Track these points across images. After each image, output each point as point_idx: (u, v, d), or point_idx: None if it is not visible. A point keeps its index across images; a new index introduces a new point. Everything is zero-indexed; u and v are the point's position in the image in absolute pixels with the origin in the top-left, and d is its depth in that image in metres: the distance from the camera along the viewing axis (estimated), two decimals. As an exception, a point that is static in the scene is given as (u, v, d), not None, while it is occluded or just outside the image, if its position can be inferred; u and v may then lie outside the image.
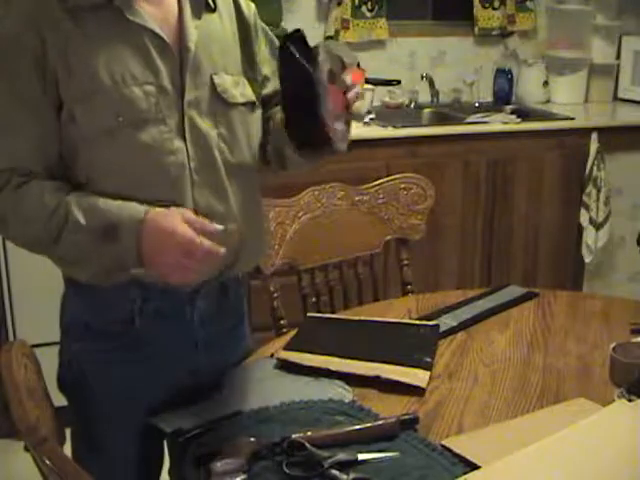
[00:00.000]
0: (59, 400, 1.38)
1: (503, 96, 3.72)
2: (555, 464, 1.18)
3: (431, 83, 3.64)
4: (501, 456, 1.18)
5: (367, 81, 3.17)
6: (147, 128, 1.29)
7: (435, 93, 3.66)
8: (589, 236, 3.44)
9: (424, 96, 3.65)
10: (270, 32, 1.57)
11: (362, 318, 1.76)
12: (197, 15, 1.38)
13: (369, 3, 3.50)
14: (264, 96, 1.51)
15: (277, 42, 1.54)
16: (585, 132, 3.37)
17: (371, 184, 2.14)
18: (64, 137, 1.29)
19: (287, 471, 1.18)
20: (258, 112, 1.47)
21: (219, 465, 1.16)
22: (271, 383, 1.46)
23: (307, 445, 1.20)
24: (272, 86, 1.52)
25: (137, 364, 1.40)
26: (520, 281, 2.62)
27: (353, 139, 3.10)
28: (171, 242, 1.21)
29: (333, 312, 2.04)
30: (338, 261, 2.10)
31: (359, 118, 3.05)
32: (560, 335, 1.71)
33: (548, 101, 3.79)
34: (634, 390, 1.34)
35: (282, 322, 1.96)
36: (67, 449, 1.19)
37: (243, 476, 1.15)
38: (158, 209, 1.26)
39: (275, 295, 1.97)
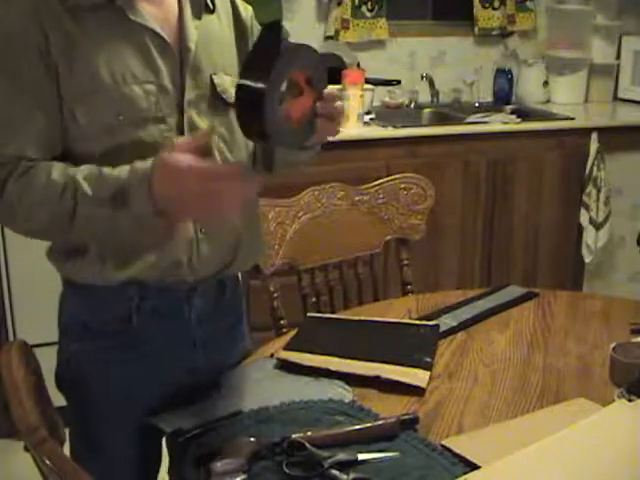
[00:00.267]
0: (59, 400, 1.38)
1: (503, 96, 3.72)
2: (555, 464, 1.18)
3: (431, 83, 3.64)
4: (501, 456, 1.18)
5: (367, 81, 3.17)
6: (147, 127, 1.30)
7: (435, 93, 3.66)
8: (589, 236, 3.45)
9: (424, 96, 3.65)
10: None
11: (362, 318, 1.76)
12: (197, 15, 1.39)
13: (369, 3, 3.50)
14: None
15: None
16: (585, 132, 3.37)
17: (371, 184, 2.14)
18: (64, 135, 1.29)
19: (287, 471, 1.18)
20: None
21: (219, 465, 1.16)
22: (271, 383, 1.46)
23: (307, 445, 1.20)
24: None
25: (135, 363, 1.40)
26: (520, 281, 2.62)
27: (353, 139, 3.13)
28: (182, 175, 1.16)
29: (333, 312, 2.04)
30: (338, 261, 2.10)
31: (359, 118, 3.05)
32: (560, 335, 1.71)
33: (548, 101, 3.79)
34: (634, 390, 1.34)
35: (282, 322, 1.96)
36: (67, 449, 1.19)
37: (243, 476, 1.15)
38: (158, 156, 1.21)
39: (275, 295, 1.97)
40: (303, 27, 3.44)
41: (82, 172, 1.24)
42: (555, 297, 1.91)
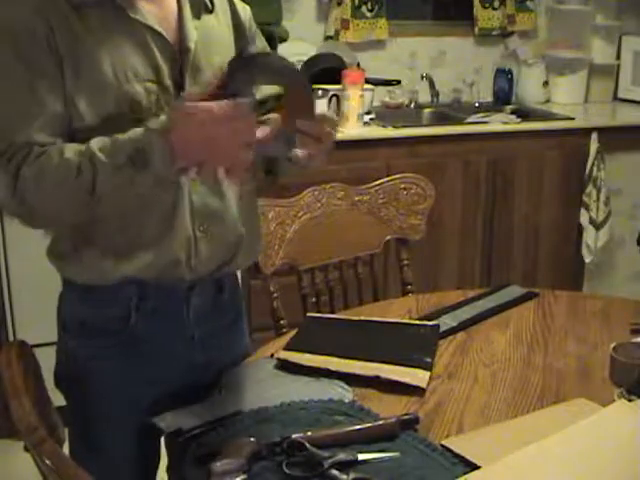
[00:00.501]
0: (59, 400, 1.38)
1: (503, 96, 3.72)
2: (555, 464, 1.18)
3: (431, 83, 3.64)
4: (501, 456, 1.18)
5: (367, 81, 3.17)
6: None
7: (435, 93, 3.66)
8: (589, 236, 3.45)
9: (424, 96, 3.65)
10: (263, 39, 1.57)
11: (362, 318, 1.76)
12: (196, 15, 1.39)
13: (369, 3, 3.50)
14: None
15: (269, 49, 1.57)
16: (585, 132, 3.37)
17: (371, 184, 2.14)
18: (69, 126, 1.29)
19: (287, 471, 1.18)
20: None
21: (219, 465, 1.16)
22: (271, 383, 1.46)
23: (307, 445, 1.20)
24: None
25: (134, 361, 1.40)
26: (520, 281, 2.62)
27: (353, 139, 3.13)
28: (197, 118, 1.18)
29: (333, 312, 2.04)
30: (338, 261, 2.10)
31: (359, 118, 3.05)
32: (560, 335, 1.71)
33: (548, 101, 3.79)
34: (634, 390, 1.33)
35: (282, 322, 1.96)
36: (67, 449, 1.19)
37: (243, 476, 1.15)
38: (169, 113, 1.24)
39: (275, 295, 1.96)
40: (303, 27, 3.45)
41: (96, 143, 1.23)
42: (555, 297, 1.91)
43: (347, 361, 1.51)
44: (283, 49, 3.23)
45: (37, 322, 2.36)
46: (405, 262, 2.17)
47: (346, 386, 1.44)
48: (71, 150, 1.23)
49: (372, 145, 3.06)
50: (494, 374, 1.53)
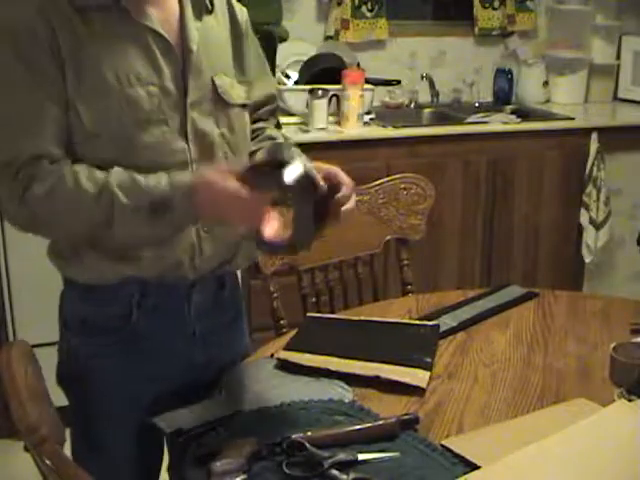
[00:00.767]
0: (59, 400, 1.38)
1: (503, 96, 3.72)
2: (555, 464, 1.18)
3: (431, 83, 3.64)
4: (501, 456, 1.18)
5: (367, 81, 3.17)
6: (149, 129, 1.30)
7: (435, 93, 3.66)
8: (589, 236, 3.44)
9: (424, 96, 3.65)
10: (257, 43, 1.57)
11: (362, 318, 1.76)
12: (198, 17, 1.39)
13: (369, 3, 3.50)
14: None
15: (263, 55, 1.58)
16: (585, 132, 3.37)
17: (371, 184, 2.14)
18: (69, 135, 1.29)
19: (287, 471, 1.18)
20: (247, 114, 1.49)
21: (219, 465, 1.16)
22: (271, 383, 1.46)
23: (307, 445, 1.20)
24: (255, 95, 1.53)
25: (135, 359, 1.40)
26: (520, 281, 2.61)
27: (353, 139, 3.14)
28: (222, 196, 1.23)
29: (333, 312, 2.04)
30: (338, 261, 2.10)
31: (359, 118, 3.05)
32: (560, 335, 1.71)
33: (548, 101, 3.79)
34: (634, 390, 1.33)
35: (282, 322, 1.96)
36: (67, 449, 1.19)
37: (243, 476, 1.15)
38: (201, 170, 1.29)
39: (275, 295, 1.96)
40: (303, 27, 3.45)
41: (114, 179, 1.24)
42: (555, 297, 1.91)
43: (347, 361, 1.51)
44: (283, 49, 3.23)
45: (37, 322, 2.36)
46: (405, 262, 2.17)
47: (346, 386, 1.44)
48: (87, 178, 1.24)
49: (372, 145, 3.06)
50: (494, 374, 1.53)
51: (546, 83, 3.77)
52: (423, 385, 1.45)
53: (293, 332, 1.70)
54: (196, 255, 1.38)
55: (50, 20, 1.24)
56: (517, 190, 3.34)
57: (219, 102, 1.40)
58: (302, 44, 3.40)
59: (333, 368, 1.48)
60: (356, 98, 3.02)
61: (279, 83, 3.19)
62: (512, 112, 3.45)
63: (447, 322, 1.74)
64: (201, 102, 1.37)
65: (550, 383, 1.50)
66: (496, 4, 3.74)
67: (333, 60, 3.23)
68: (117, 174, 1.25)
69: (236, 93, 1.44)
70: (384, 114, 3.36)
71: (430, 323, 1.72)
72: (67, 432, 1.26)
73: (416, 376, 1.47)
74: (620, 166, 3.52)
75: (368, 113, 3.18)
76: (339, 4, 3.45)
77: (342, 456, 1.19)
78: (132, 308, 1.38)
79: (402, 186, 2.15)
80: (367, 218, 2.11)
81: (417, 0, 3.83)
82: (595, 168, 3.37)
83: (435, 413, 1.38)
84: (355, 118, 3.03)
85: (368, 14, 3.51)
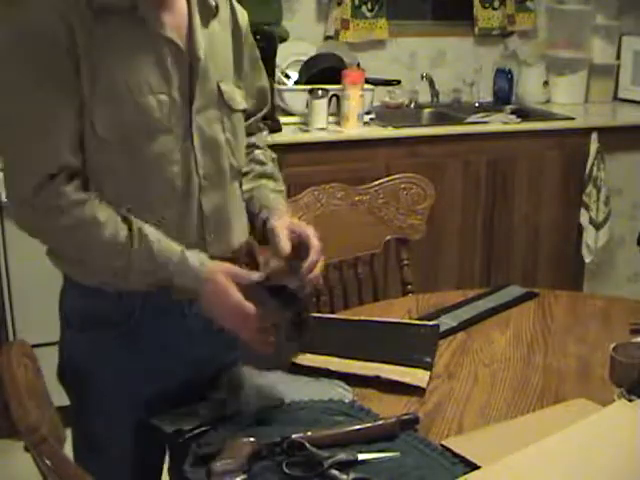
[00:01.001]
0: (59, 400, 1.38)
1: (503, 96, 3.72)
2: (555, 464, 1.18)
3: (431, 83, 3.64)
4: (501, 456, 1.18)
5: (367, 81, 3.17)
6: (158, 138, 1.31)
7: (435, 93, 3.65)
8: (589, 236, 3.44)
9: (424, 96, 3.65)
10: (256, 49, 1.57)
11: (362, 318, 1.76)
12: (205, 24, 1.39)
13: (369, 3, 3.50)
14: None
15: (260, 60, 1.58)
16: (585, 132, 3.37)
17: (371, 184, 2.14)
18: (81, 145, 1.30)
19: (287, 471, 1.18)
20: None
21: (219, 465, 1.16)
22: (271, 383, 1.46)
23: (307, 445, 1.20)
24: (249, 101, 1.53)
25: (136, 356, 1.40)
26: (520, 281, 2.61)
27: (353, 139, 3.14)
28: (227, 308, 1.30)
29: (333, 312, 2.04)
30: (338, 261, 2.10)
31: (359, 118, 3.05)
32: (560, 335, 1.71)
33: (548, 101, 3.79)
34: (634, 390, 1.33)
35: (282, 322, 1.96)
36: (67, 449, 1.19)
37: (243, 476, 1.15)
38: (210, 266, 1.32)
39: (275, 295, 1.96)
40: (303, 27, 3.44)
41: (136, 246, 1.29)
42: (555, 297, 1.91)
43: (347, 361, 1.51)
44: (283, 49, 3.23)
45: (37, 322, 2.36)
46: (405, 262, 2.17)
47: (346, 386, 1.44)
48: (111, 230, 1.28)
49: (372, 145, 3.06)
50: (494, 374, 1.53)
51: (546, 83, 3.77)
52: (423, 385, 1.45)
53: (293, 332, 1.70)
54: None
55: (71, 24, 1.24)
56: (517, 190, 3.33)
57: (224, 108, 1.42)
58: (302, 44, 3.39)
59: (333, 368, 1.48)
60: (356, 98, 3.01)
61: (279, 83, 3.18)
62: (512, 112, 3.45)
63: (447, 322, 1.74)
64: (208, 108, 1.38)
65: (550, 383, 1.50)
66: (496, 4, 3.74)
67: (333, 60, 3.23)
68: (140, 246, 1.29)
69: (238, 98, 1.45)
70: (384, 114, 3.36)
71: (430, 323, 1.72)
72: (67, 432, 1.26)
73: (416, 376, 1.47)
74: (620, 166, 3.52)
75: (368, 113, 3.18)
76: (339, 4, 3.45)
77: (342, 456, 1.20)
78: (135, 306, 1.38)
79: (402, 186, 2.15)
80: (367, 218, 2.12)
81: (417, 0, 3.83)
82: (595, 168, 3.37)
83: (435, 413, 1.38)
84: (355, 118, 3.03)
85: (368, 14, 3.51)
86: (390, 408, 1.37)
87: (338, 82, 3.04)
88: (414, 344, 1.61)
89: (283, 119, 3.03)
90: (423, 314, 1.80)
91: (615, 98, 3.90)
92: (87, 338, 1.41)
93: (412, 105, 3.60)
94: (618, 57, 3.87)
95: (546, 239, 3.44)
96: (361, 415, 1.34)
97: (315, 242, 1.39)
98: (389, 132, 3.09)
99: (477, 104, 3.65)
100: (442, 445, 1.26)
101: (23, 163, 1.27)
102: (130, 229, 1.29)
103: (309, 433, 1.24)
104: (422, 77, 3.62)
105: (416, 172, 2.21)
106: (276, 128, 2.85)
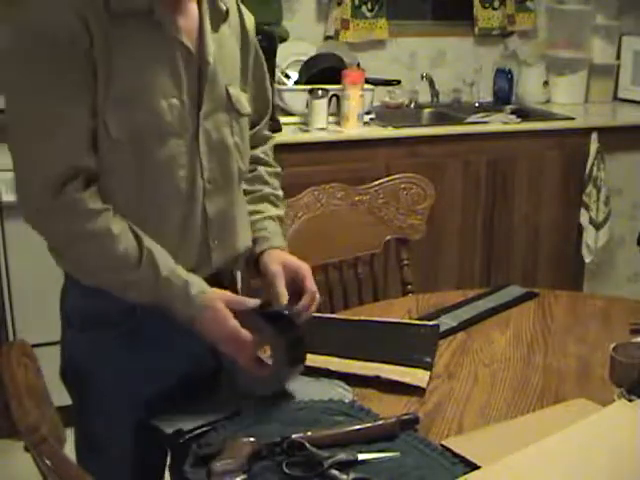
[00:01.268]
0: (59, 400, 1.38)
1: (503, 96, 3.72)
2: (555, 464, 1.18)
3: (431, 83, 3.64)
4: (501, 456, 1.18)
5: (367, 81, 3.17)
6: (169, 140, 1.32)
7: (435, 93, 3.66)
8: (589, 236, 3.45)
9: (424, 96, 3.65)
10: (261, 53, 1.57)
11: (362, 318, 1.76)
12: (215, 28, 1.40)
13: (369, 3, 3.50)
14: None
15: (264, 64, 1.58)
16: (585, 132, 3.37)
17: (371, 184, 2.14)
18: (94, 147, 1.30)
19: (287, 471, 1.18)
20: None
21: (219, 465, 1.16)
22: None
23: (307, 445, 1.20)
24: (254, 106, 1.53)
25: (137, 352, 1.40)
26: (520, 281, 2.62)
27: (353, 139, 3.14)
28: (225, 334, 1.33)
29: (333, 312, 2.04)
30: (338, 261, 2.10)
31: (359, 118, 3.05)
32: (560, 335, 1.71)
33: (548, 101, 3.79)
34: (634, 390, 1.33)
35: (282, 322, 1.96)
36: (67, 449, 1.19)
37: (243, 476, 1.15)
38: (210, 294, 1.33)
39: (275, 295, 1.96)
40: (303, 27, 3.44)
41: (145, 268, 1.30)
42: (555, 297, 1.91)
43: (347, 361, 1.51)
44: (283, 49, 3.23)
45: (37, 322, 2.36)
46: (405, 262, 2.17)
47: (346, 386, 1.44)
48: (122, 239, 1.29)
49: (372, 145, 3.06)
50: (494, 374, 1.53)
51: (546, 83, 3.77)
52: (423, 385, 1.45)
53: (293, 332, 1.70)
54: (205, 263, 1.41)
55: (88, 25, 1.24)
56: (517, 190, 3.34)
57: (232, 112, 1.42)
58: (302, 44, 3.40)
59: (333, 368, 1.48)
60: (356, 98, 3.02)
61: (279, 83, 3.19)
62: (512, 112, 3.45)
63: (447, 322, 1.74)
64: (215, 112, 1.38)
65: (550, 383, 1.50)
66: (496, 4, 3.74)
67: (333, 60, 3.23)
68: (152, 260, 1.30)
69: (245, 102, 1.46)
70: (384, 114, 3.37)
71: (430, 323, 1.72)
72: (67, 432, 1.26)
73: (416, 376, 1.47)
74: (620, 166, 3.52)
75: (368, 113, 3.18)
76: (339, 4, 3.45)
77: (342, 456, 1.19)
78: (135, 306, 1.38)
79: (402, 186, 2.15)
80: (367, 218, 2.12)
81: (417, 0, 3.83)
82: (595, 168, 3.37)
83: (435, 413, 1.38)
84: (355, 118, 3.03)
85: (368, 14, 3.51)
86: (390, 408, 1.37)
87: (338, 82, 3.04)
88: (414, 344, 1.61)
89: (283, 119, 3.03)
90: (423, 314, 1.80)
91: (615, 98, 3.90)
92: (87, 338, 1.41)
93: (412, 105, 3.60)
94: (618, 57, 3.87)
95: (546, 239, 3.44)
96: (361, 415, 1.33)
97: (309, 285, 1.43)
98: (389, 132, 3.09)
99: (477, 104, 3.65)
100: (442, 445, 1.26)
101: (39, 163, 1.26)
102: (140, 247, 1.30)
103: (309, 433, 1.24)
104: (422, 77, 3.62)
105: (416, 172, 2.21)
106: (276, 128, 2.85)
